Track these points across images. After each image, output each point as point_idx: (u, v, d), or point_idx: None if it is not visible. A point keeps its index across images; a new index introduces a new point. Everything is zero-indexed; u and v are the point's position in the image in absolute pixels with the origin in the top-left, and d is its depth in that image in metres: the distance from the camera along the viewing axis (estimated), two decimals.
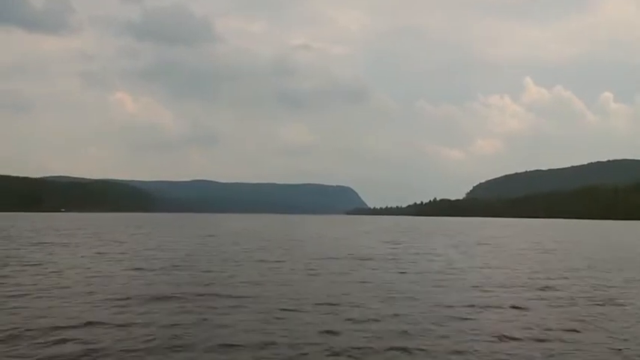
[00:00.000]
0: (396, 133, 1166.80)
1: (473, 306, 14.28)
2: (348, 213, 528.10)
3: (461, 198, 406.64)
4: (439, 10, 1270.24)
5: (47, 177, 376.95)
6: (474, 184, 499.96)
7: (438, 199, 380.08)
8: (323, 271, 22.37)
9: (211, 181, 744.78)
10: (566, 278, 20.55)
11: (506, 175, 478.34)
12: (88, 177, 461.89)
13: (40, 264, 23.02)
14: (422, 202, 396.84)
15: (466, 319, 12.73)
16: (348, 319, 12.48)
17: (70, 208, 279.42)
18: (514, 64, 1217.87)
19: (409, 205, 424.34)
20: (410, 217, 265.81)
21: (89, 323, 11.56)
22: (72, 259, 25.58)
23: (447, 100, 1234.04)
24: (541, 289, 17.46)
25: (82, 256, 27.31)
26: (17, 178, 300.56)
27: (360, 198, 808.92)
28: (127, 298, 14.73)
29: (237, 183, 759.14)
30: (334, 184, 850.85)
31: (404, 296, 15.82)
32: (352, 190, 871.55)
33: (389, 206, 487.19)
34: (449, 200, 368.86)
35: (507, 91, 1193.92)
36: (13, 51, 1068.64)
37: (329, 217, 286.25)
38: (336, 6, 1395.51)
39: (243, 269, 22.56)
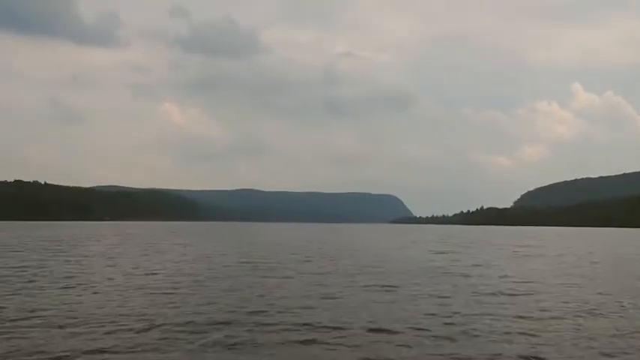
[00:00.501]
0: (441, 141, 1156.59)
1: None
2: (393, 222, 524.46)
3: (509, 206, 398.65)
4: (486, 16, 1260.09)
5: (97, 186, 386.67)
6: (522, 192, 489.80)
7: (485, 207, 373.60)
8: (408, 290, 19.19)
9: (257, 190, 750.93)
10: None
11: (555, 183, 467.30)
12: (136, 186, 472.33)
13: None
14: (469, 211, 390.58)
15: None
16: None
17: (118, 217, 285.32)
18: (562, 70, 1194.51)
19: (455, 214, 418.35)
20: (460, 226, 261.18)
21: None
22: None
23: (493, 106, 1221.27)
24: None
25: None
26: (69, 187, 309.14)
27: (405, 207, 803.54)
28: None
29: (282, 192, 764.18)
30: (379, 193, 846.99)
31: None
32: (397, 198, 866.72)
33: (435, 215, 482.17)
34: (497, 209, 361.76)
35: (555, 97, 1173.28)
36: (65, 64, 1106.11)
37: (375, 225, 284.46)
38: (381, 14, 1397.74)
39: (316, 283, 20.70)
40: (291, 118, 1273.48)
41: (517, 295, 18.24)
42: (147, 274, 23.17)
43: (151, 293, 17.53)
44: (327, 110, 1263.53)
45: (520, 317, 14.00)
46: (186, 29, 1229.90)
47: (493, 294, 18.32)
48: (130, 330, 11.87)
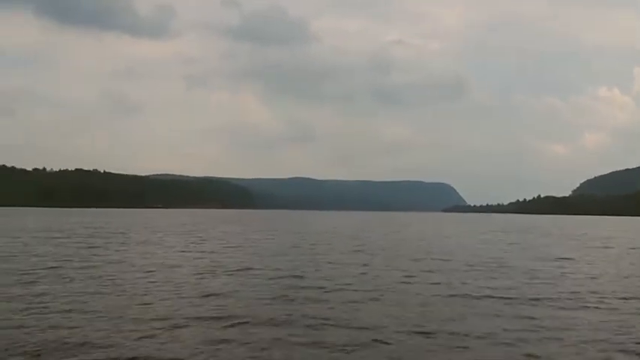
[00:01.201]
0: (495, 128, 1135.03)
1: None
2: (445, 210, 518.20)
3: (567, 195, 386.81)
4: None
5: (152, 175, 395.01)
6: (582, 181, 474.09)
7: (542, 196, 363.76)
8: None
9: (309, 179, 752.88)
10: None
11: (615, 171, 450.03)
12: (190, 175, 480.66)
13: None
14: (525, 200, 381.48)
15: None
16: None
17: (172, 205, 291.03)
18: (622, 53, 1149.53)
19: (511, 203, 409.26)
20: (518, 215, 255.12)
21: None
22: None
23: (549, 92, 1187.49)
24: None
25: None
26: (126, 176, 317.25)
27: (458, 195, 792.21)
28: None
29: (334, 180, 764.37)
30: (432, 181, 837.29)
31: None
32: (450, 186, 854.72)
33: (489, 203, 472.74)
34: (554, 197, 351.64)
35: (616, 82, 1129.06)
36: (121, 56, 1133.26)
37: (430, 214, 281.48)
38: (431, 1, 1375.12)
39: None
40: (343, 106, 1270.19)
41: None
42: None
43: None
44: (378, 98, 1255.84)
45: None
46: (237, 19, 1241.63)
47: None
48: None
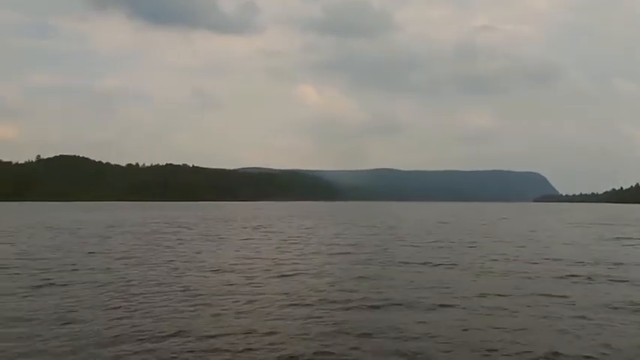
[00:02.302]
0: (588, 115, 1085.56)
1: None
2: (536, 200, 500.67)
3: None
4: None
5: (240, 169, 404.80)
6: None
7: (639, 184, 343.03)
8: None
9: (393, 170, 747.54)
10: None
11: None
12: (277, 167, 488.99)
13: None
14: (621, 188, 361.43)
15: None
16: None
17: (259, 198, 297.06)
18: None
19: (606, 192, 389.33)
20: (616, 204, 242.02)
21: None
22: None
23: None
24: None
25: None
26: (214, 170, 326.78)
27: (549, 184, 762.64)
28: None
29: (419, 171, 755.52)
30: (521, 170, 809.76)
31: None
32: (541, 175, 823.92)
33: (582, 193, 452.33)
34: None
35: None
36: (207, 53, 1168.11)
37: (522, 205, 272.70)
38: None
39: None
40: (428, 95, 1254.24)
41: None
42: None
43: None
44: (464, 87, 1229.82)
45: None
46: (319, 11, 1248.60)
47: None
48: None
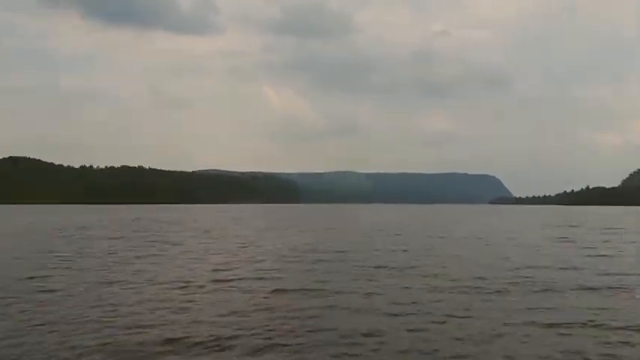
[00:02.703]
0: (543, 119, 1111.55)
1: None
2: (491, 202, 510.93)
3: (616, 185, 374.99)
4: None
5: (198, 171, 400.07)
6: (631, 171, 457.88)
7: (590, 186, 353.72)
8: None
9: (355, 172, 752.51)
10: None
11: None
12: (237, 169, 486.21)
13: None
14: (572, 191, 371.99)
15: None
16: None
17: (219, 200, 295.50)
18: None
19: (558, 194, 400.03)
20: (568, 207, 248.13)
21: None
22: None
23: (598, 82, 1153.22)
24: None
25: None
26: (172, 172, 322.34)
27: (504, 187, 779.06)
28: None
29: (378, 173, 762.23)
30: (477, 173, 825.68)
31: None
32: (496, 178, 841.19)
33: (536, 195, 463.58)
34: (604, 188, 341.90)
35: None
36: (165, 53, 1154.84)
37: (480, 207, 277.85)
38: None
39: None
40: (387, 98, 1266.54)
41: None
42: None
43: None
44: (421, 90, 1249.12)
45: None
46: (278, 12, 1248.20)
47: None
48: None
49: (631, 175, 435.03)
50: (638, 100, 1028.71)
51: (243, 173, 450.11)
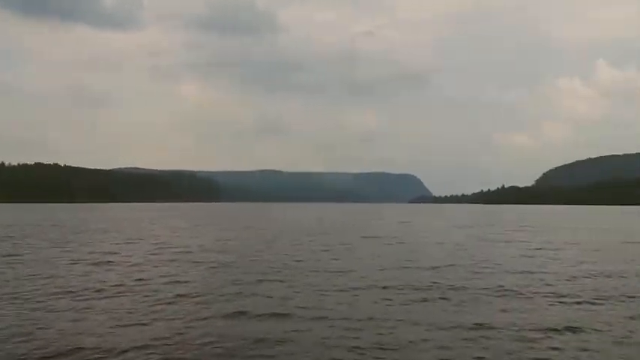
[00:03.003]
0: (462, 120, 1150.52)
1: None
2: (411, 201, 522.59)
3: (530, 185, 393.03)
4: None
5: (117, 169, 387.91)
6: (544, 171, 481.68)
7: (506, 186, 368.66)
8: None
9: (277, 171, 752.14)
10: None
11: (578, 161, 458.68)
12: (157, 168, 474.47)
13: None
14: (489, 190, 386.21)
15: None
16: None
17: (139, 199, 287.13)
18: (585, 46, 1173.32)
19: (475, 193, 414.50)
20: (489, 205, 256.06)
21: None
22: None
23: (515, 84, 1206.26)
24: None
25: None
26: (89, 170, 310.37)
27: (424, 186, 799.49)
28: None
29: (302, 172, 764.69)
30: (398, 173, 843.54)
31: None
32: (416, 178, 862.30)
33: (454, 194, 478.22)
34: (518, 187, 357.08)
35: (578, 73, 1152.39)
36: (85, 47, 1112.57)
37: (402, 206, 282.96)
38: None
39: None
40: (311, 97, 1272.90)
41: None
42: None
43: None
44: (347, 90, 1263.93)
45: None
46: (202, 8, 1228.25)
47: None
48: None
49: (544, 174, 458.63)
50: (551, 101, 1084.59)
51: (163, 171, 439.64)
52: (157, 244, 31.52)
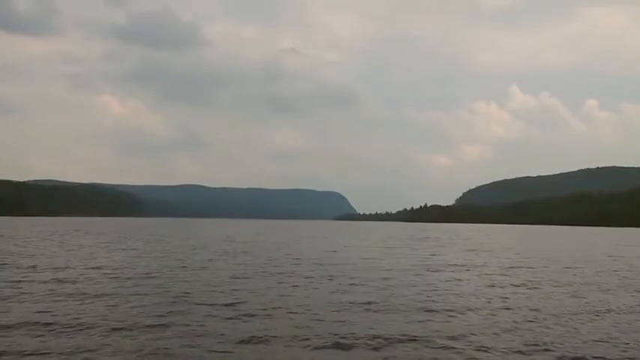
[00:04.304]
0: (385, 140, 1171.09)
1: None
2: (337, 219, 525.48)
3: (451, 204, 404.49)
4: (430, 18, 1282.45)
5: (31, 180, 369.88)
6: (464, 191, 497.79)
7: (428, 205, 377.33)
8: None
9: (200, 186, 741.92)
10: None
11: (495, 182, 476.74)
12: (74, 181, 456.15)
13: None
14: (412, 208, 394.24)
15: None
16: None
17: (55, 213, 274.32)
18: (500, 72, 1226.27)
19: (399, 211, 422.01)
20: (411, 223, 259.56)
21: None
22: None
23: (435, 107, 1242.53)
24: None
25: None
26: (1, 181, 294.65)
27: (349, 204, 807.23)
28: None
29: (225, 188, 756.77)
30: (323, 190, 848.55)
31: None
32: (341, 195, 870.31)
33: (379, 212, 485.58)
34: (440, 206, 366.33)
35: (494, 98, 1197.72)
36: None
37: (326, 223, 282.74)
38: (328, 12, 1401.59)
39: None
40: (235, 113, 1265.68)
41: None
42: None
43: None
44: (270, 106, 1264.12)
45: None
46: (123, 19, 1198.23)
47: None
48: None
49: (463, 194, 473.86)
50: (469, 124, 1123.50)
51: (81, 184, 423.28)
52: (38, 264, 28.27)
